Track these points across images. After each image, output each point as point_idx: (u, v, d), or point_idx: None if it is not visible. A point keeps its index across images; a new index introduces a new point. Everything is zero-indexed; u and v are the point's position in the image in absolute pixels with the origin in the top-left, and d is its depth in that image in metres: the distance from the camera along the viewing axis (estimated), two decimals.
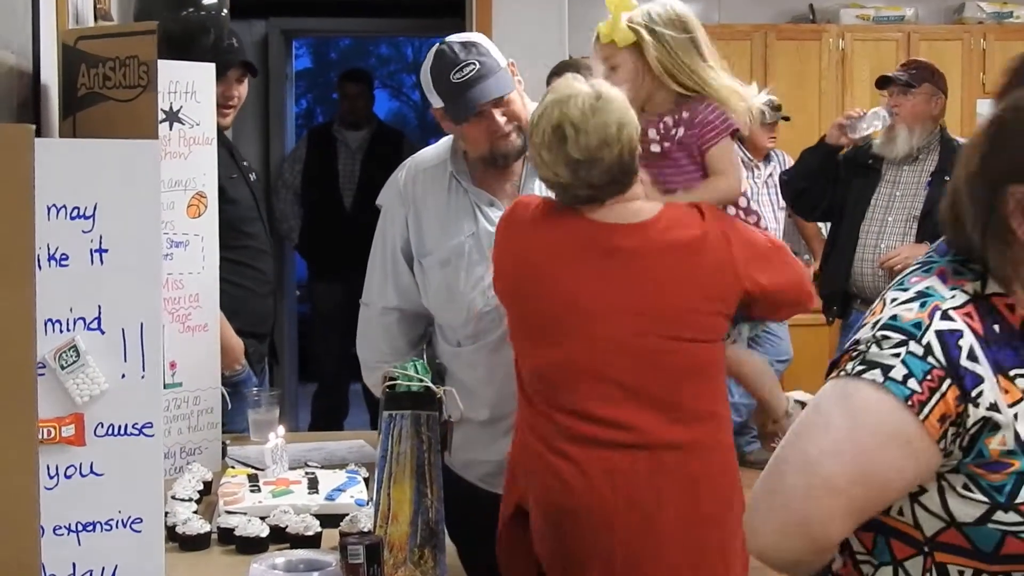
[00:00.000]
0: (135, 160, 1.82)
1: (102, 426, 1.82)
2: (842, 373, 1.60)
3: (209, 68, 3.08)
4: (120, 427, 1.83)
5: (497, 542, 2.62)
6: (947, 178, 1.80)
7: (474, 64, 2.72)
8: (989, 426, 1.54)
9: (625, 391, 2.45)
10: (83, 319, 1.79)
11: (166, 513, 2.38)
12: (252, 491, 2.62)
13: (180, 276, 2.97)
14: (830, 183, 4.89)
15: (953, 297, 1.60)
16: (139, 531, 1.84)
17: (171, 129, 2.95)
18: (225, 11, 3.65)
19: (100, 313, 1.80)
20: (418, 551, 2.23)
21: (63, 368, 1.78)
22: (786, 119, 6.59)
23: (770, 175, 6.48)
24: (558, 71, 5.46)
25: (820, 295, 5.09)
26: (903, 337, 1.56)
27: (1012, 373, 1.57)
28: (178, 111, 2.96)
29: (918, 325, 1.57)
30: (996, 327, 1.59)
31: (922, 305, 1.59)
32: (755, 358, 2.75)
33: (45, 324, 1.77)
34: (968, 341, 1.56)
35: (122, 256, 1.80)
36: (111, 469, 1.83)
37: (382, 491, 2.26)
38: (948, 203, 1.66)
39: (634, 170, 2.48)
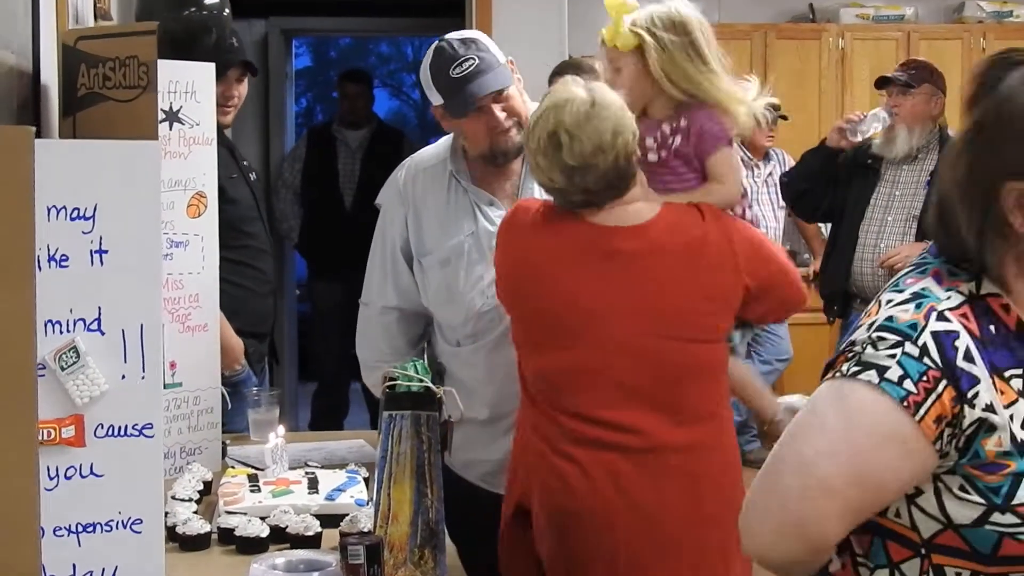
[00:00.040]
0: (135, 161, 1.82)
1: (102, 427, 1.82)
2: (837, 374, 1.59)
3: (209, 68, 3.08)
4: (120, 428, 1.82)
5: (499, 543, 2.62)
6: None
7: (473, 59, 2.72)
8: (985, 427, 1.54)
9: (630, 393, 2.45)
10: (83, 320, 1.79)
11: (166, 513, 2.38)
12: (252, 491, 2.62)
13: (180, 276, 2.97)
14: (830, 185, 4.90)
15: (949, 298, 1.60)
16: (139, 532, 1.84)
17: (171, 129, 2.95)
18: (227, 11, 3.65)
19: (100, 314, 1.80)
20: (418, 551, 2.23)
21: (63, 369, 1.78)
22: (784, 118, 6.59)
23: (770, 174, 6.48)
24: (560, 71, 5.46)
25: (821, 295, 5.10)
26: (899, 338, 1.56)
27: (1007, 374, 1.57)
28: (178, 111, 2.96)
29: (914, 326, 1.57)
30: (992, 327, 1.59)
31: (918, 306, 1.59)
32: (738, 365, 2.75)
33: (45, 325, 1.76)
34: (964, 342, 1.56)
35: (122, 257, 1.79)
36: (111, 470, 1.83)
37: (382, 491, 2.26)
38: (936, 211, 1.66)
39: (631, 175, 2.48)
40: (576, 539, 2.46)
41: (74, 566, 1.83)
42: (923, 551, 1.59)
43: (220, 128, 3.64)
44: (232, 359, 3.58)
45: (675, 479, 2.46)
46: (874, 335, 1.58)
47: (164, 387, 2.71)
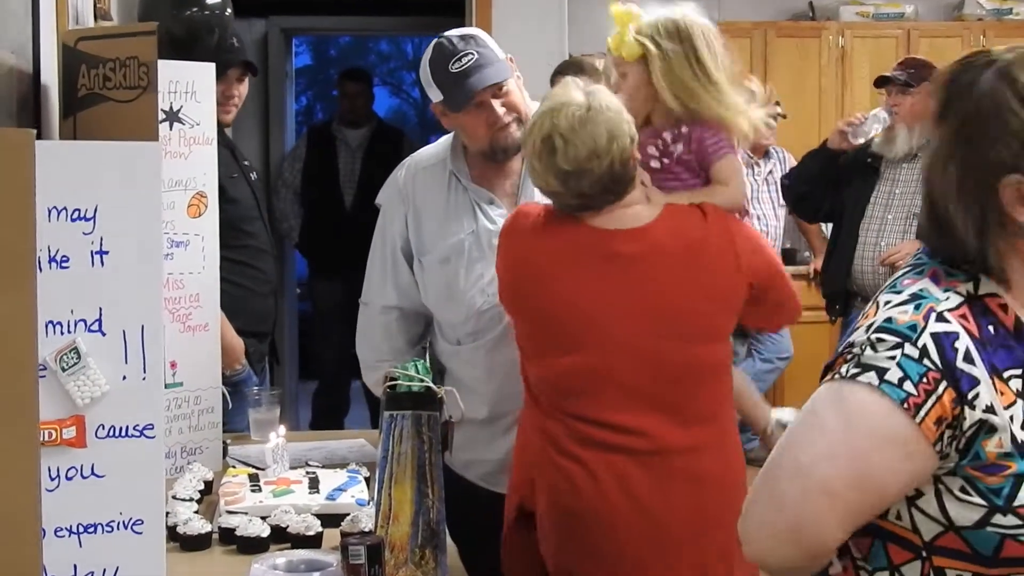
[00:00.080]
0: (136, 162, 1.82)
1: (103, 428, 1.82)
2: (836, 376, 1.59)
3: (209, 68, 3.08)
4: (121, 429, 1.82)
5: (502, 545, 2.62)
6: None
7: (472, 54, 2.73)
8: (985, 428, 1.54)
9: (634, 396, 2.45)
10: (84, 321, 1.79)
11: (167, 513, 2.38)
12: (253, 491, 2.62)
13: (180, 276, 2.98)
14: (831, 187, 4.90)
15: (947, 299, 1.60)
16: (140, 532, 1.84)
17: (171, 129, 2.95)
18: (229, 11, 3.65)
19: (101, 315, 1.80)
20: (419, 551, 2.23)
21: (64, 370, 1.78)
22: (783, 116, 6.59)
23: (770, 172, 6.48)
24: (561, 70, 5.47)
25: (823, 294, 5.10)
26: (898, 340, 1.56)
27: (1006, 375, 1.57)
28: (178, 111, 2.96)
29: (913, 327, 1.56)
30: (990, 328, 1.59)
31: (916, 307, 1.59)
32: (736, 373, 2.75)
33: (46, 326, 1.76)
34: (964, 343, 1.56)
35: (123, 258, 1.79)
36: (112, 471, 1.83)
37: (383, 491, 2.26)
38: (929, 217, 1.65)
39: (628, 179, 2.48)
40: (581, 540, 2.46)
41: (75, 567, 1.83)
42: (924, 553, 1.59)
43: (221, 127, 3.65)
44: (232, 359, 3.59)
45: (680, 481, 2.46)
46: (873, 337, 1.58)
47: (165, 387, 2.72)
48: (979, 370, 1.55)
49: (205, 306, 3.04)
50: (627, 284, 2.46)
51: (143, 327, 1.82)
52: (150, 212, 1.83)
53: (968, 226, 1.59)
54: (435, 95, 2.80)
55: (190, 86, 2.99)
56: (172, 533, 2.40)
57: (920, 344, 1.55)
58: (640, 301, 2.46)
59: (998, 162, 1.56)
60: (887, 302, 1.62)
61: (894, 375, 1.54)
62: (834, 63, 7.21)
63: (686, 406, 2.48)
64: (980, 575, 1.56)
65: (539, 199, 2.71)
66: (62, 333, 1.79)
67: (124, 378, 1.82)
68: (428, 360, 2.89)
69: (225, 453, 3.11)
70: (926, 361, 1.54)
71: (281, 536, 2.42)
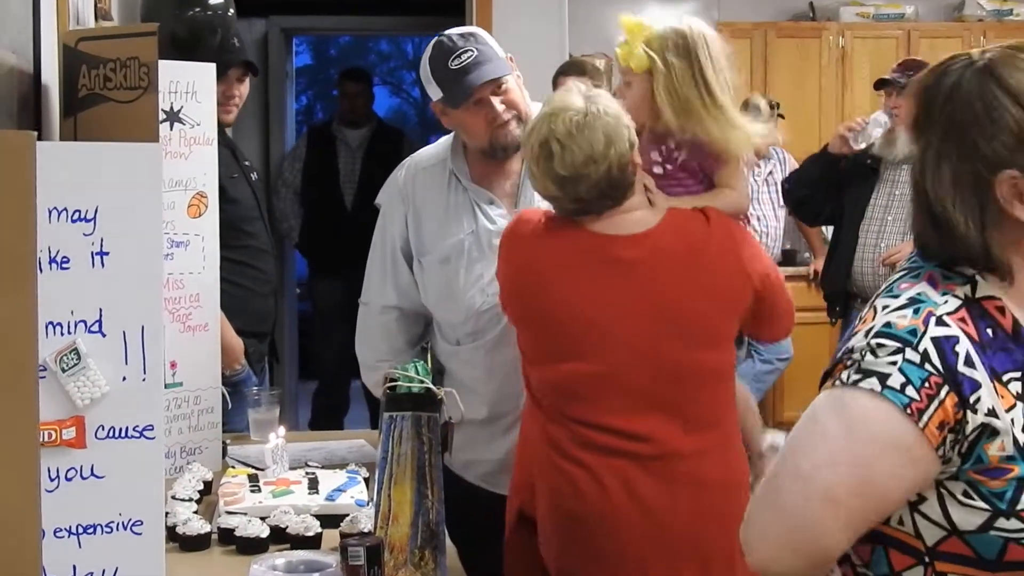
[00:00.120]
0: (136, 163, 1.81)
1: (103, 429, 1.82)
2: (837, 382, 1.58)
3: (209, 68, 3.08)
4: (121, 430, 1.82)
5: (504, 549, 2.63)
6: None
7: (472, 51, 2.73)
8: (988, 432, 1.53)
9: (639, 400, 2.45)
10: (84, 322, 1.79)
11: (166, 513, 2.38)
12: (252, 491, 2.62)
13: (181, 276, 2.98)
14: (832, 190, 4.90)
15: (946, 302, 1.60)
16: (140, 533, 1.84)
17: (171, 129, 2.95)
18: (231, 11, 3.65)
19: (101, 316, 1.80)
20: (419, 552, 2.23)
21: (64, 371, 1.78)
22: (781, 117, 6.59)
23: (770, 173, 6.49)
24: (564, 71, 5.48)
25: (823, 296, 5.10)
26: (899, 345, 1.55)
27: (1006, 378, 1.57)
28: (179, 111, 2.96)
29: (913, 332, 1.56)
30: (989, 331, 1.59)
31: (916, 311, 1.58)
32: (742, 389, 2.75)
33: (46, 327, 1.76)
34: (964, 347, 1.55)
35: (123, 259, 1.79)
36: (112, 471, 1.82)
37: (382, 492, 2.26)
38: (926, 218, 1.64)
39: (627, 184, 2.48)
40: (584, 543, 2.46)
41: (74, 567, 1.82)
42: (927, 559, 1.58)
43: (222, 127, 3.65)
44: (232, 359, 3.59)
45: (683, 485, 2.45)
46: (873, 342, 1.57)
47: (164, 387, 2.72)
48: (980, 374, 1.54)
49: (205, 306, 3.04)
50: (629, 289, 2.46)
51: (143, 328, 1.82)
52: (150, 213, 1.83)
53: (969, 223, 1.59)
54: (435, 93, 2.80)
55: (190, 86, 2.99)
56: (171, 533, 2.39)
57: (921, 349, 1.54)
58: (642, 306, 2.46)
59: (993, 158, 1.57)
60: (885, 307, 1.62)
61: (896, 380, 1.53)
62: (834, 64, 7.21)
63: (689, 410, 2.48)
64: None
65: (539, 199, 2.71)
66: (62, 334, 1.78)
67: (124, 379, 1.82)
68: (429, 360, 2.90)
69: (224, 453, 3.10)
70: (927, 366, 1.53)
71: (280, 537, 2.42)
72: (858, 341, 1.59)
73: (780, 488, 1.58)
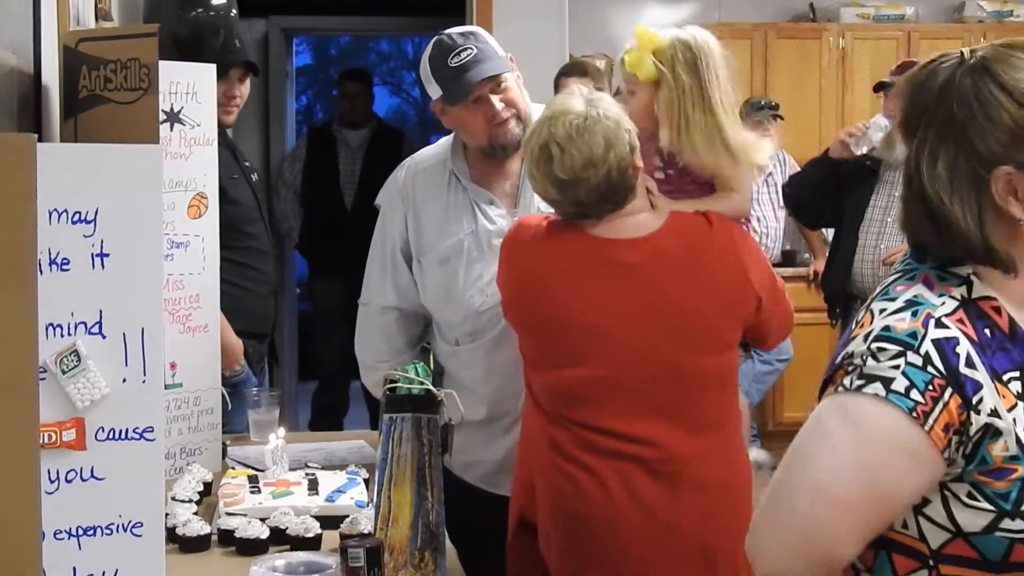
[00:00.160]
0: (136, 164, 1.81)
1: (103, 430, 1.81)
2: (840, 388, 1.57)
3: (210, 68, 3.08)
4: (121, 431, 1.82)
5: (507, 553, 2.63)
6: None
7: (472, 49, 2.74)
8: (991, 432, 1.53)
9: (642, 404, 2.45)
10: (84, 324, 1.79)
11: (166, 514, 2.38)
12: (252, 492, 2.62)
13: (180, 277, 2.98)
14: (832, 194, 4.91)
15: (943, 304, 1.59)
16: (140, 535, 1.84)
17: (172, 130, 2.95)
18: (234, 11, 3.66)
19: (101, 318, 1.79)
20: (418, 554, 2.23)
21: (64, 372, 1.78)
22: (780, 118, 6.60)
23: (770, 174, 6.49)
24: (566, 72, 5.48)
25: (824, 298, 5.11)
26: (900, 348, 1.55)
27: (1006, 377, 1.57)
28: (179, 112, 2.96)
29: (914, 335, 1.55)
30: (987, 331, 1.59)
31: (914, 314, 1.58)
32: (743, 409, 2.75)
33: (46, 329, 1.76)
34: (965, 348, 1.55)
35: (123, 260, 1.79)
36: (112, 473, 1.82)
37: (382, 494, 2.26)
38: (924, 215, 1.63)
39: (627, 188, 2.48)
40: (586, 545, 2.46)
41: (74, 569, 1.82)
42: (931, 562, 1.58)
43: (222, 128, 3.65)
44: (232, 360, 3.59)
45: (686, 488, 2.45)
46: (873, 346, 1.56)
47: (164, 388, 2.72)
48: (981, 374, 1.54)
49: (205, 307, 3.04)
50: (630, 293, 2.46)
51: (143, 330, 1.82)
52: (151, 215, 1.82)
53: (967, 218, 1.59)
54: (434, 91, 2.81)
55: (191, 87, 2.99)
56: (171, 534, 2.39)
57: (922, 351, 1.54)
58: (644, 310, 2.46)
59: (988, 154, 1.57)
60: (882, 310, 1.61)
61: (900, 384, 1.52)
62: (834, 64, 7.21)
63: (692, 414, 2.48)
64: None
65: (538, 200, 2.71)
66: (62, 336, 1.78)
67: (124, 381, 1.82)
68: (432, 361, 2.90)
69: (224, 454, 3.11)
70: (930, 368, 1.53)
71: (280, 538, 2.42)
72: (857, 346, 1.59)
73: (788, 497, 1.57)
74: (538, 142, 2.47)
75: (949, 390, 1.52)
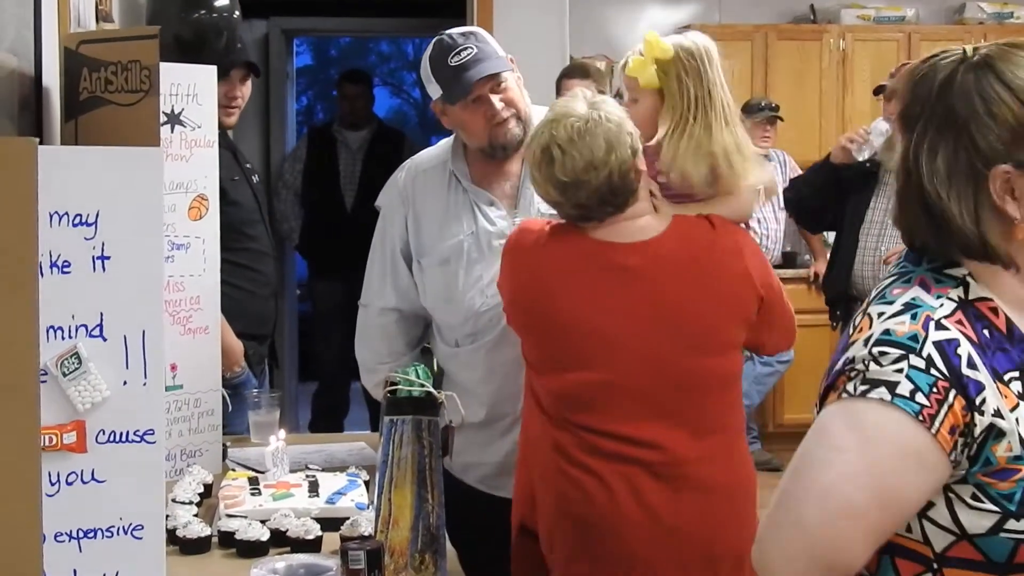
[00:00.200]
0: (137, 167, 1.81)
1: (103, 433, 1.82)
2: (844, 394, 1.56)
3: (210, 70, 3.08)
4: (121, 434, 1.82)
5: (511, 560, 2.63)
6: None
7: (472, 48, 2.74)
8: (994, 433, 1.53)
9: (646, 407, 2.45)
10: (85, 326, 1.79)
11: (166, 516, 2.38)
12: (253, 494, 2.62)
13: (181, 279, 2.98)
14: (833, 198, 4.91)
15: (942, 306, 1.59)
16: (140, 538, 1.84)
17: (172, 132, 2.95)
18: (237, 13, 3.65)
19: (102, 320, 1.80)
20: (419, 556, 2.24)
21: (65, 375, 1.78)
22: (780, 119, 6.60)
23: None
24: (568, 73, 5.49)
25: (825, 301, 5.11)
26: (902, 351, 1.54)
27: (1006, 377, 1.56)
28: (179, 113, 2.96)
29: (915, 338, 1.55)
30: (986, 332, 1.58)
31: (913, 317, 1.57)
32: None
33: (47, 331, 1.76)
34: (966, 349, 1.55)
35: (124, 263, 1.79)
36: (112, 476, 1.82)
37: (383, 496, 2.26)
38: (920, 211, 1.63)
39: (629, 191, 2.48)
40: (592, 548, 2.46)
41: (75, 572, 1.83)
42: (935, 565, 1.57)
43: (223, 129, 3.65)
44: (232, 361, 3.59)
45: (690, 490, 2.45)
46: (875, 350, 1.56)
47: (165, 390, 2.72)
48: (983, 375, 1.54)
49: (205, 309, 3.04)
50: (633, 297, 2.46)
51: (144, 332, 1.82)
52: (151, 217, 1.83)
53: (964, 214, 1.59)
54: (435, 91, 2.81)
55: (191, 88, 2.99)
56: (171, 536, 2.39)
57: (925, 354, 1.53)
58: (647, 313, 2.46)
59: (988, 152, 1.57)
60: (880, 314, 1.60)
61: (905, 388, 1.52)
62: (835, 66, 7.21)
63: (695, 416, 2.48)
64: None
65: (538, 201, 2.72)
66: (63, 338, 1.78)
67: (125, 383, 1.82)
68: (435, 363, 2.90)
69: (225, 456, 3.11)
70: (933, 371, 1.52)
71: (281, 540, 2.42)
72: (858, 351, 1.58)
73: (796, 506, 1.55)
74: (540, 144, 2.47)
75: (953, 392, 1.52)
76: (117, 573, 1.85)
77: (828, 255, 5.41)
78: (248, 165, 4.01)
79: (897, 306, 1.60)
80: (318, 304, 7.23)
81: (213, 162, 3.06)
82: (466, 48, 2.74)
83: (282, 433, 2.89)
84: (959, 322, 1.57)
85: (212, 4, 3.63)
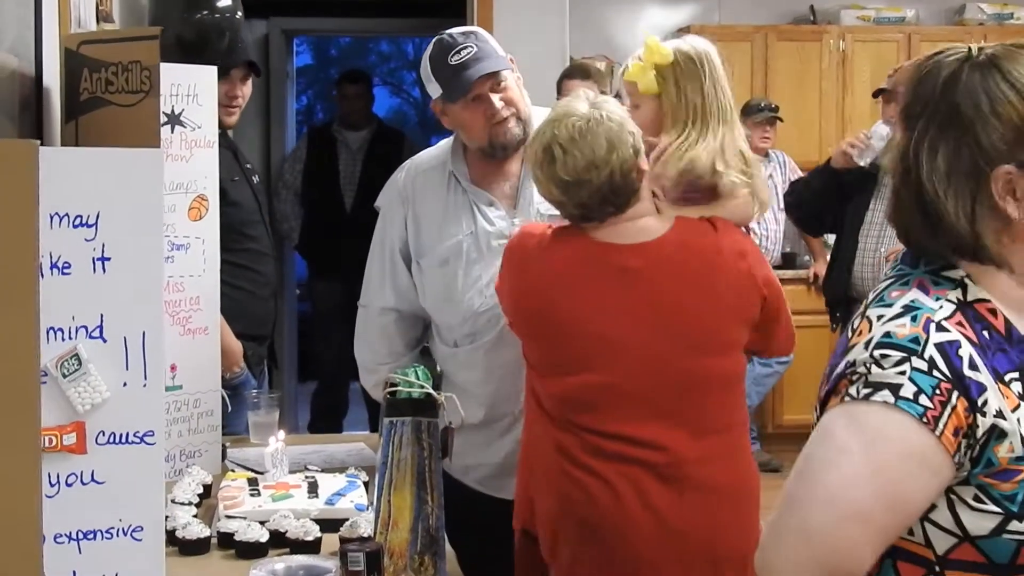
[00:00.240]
0: (138, 169, 1.82)
1: (103, 434, 1.82)
2: (846, 398, 1.55)
3: (211, 71, 3.08)
4: (121, 435, 1.82)
5: (515, 564, 2.63)
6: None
7: (472, 47, 2.75)
8: (996, 434, 1.52)
9: (649, 408, 2.45)
10: (85, 327, 1.79)
11: (166, 517, 2.38)
12: (252, 495, 2.62)
13: (181, 279, 2.98)
14: (834, 202, 4.92)
15: (941, 308, 1.59)
16: (140, 539, 1.84)
17: (172, 132, 2.95)
18: (239, 14, 3.65)
19: (102, 321, 1.80)
20: (418, 558, 2.24)
21: (65, 376, 1.78)
22: (779, 120, 6.59)
23: (770, 176, 6.49)
24: (569, 74, 5.49)
25: (825, 302, 5.11)
26: (903, 354, 1.54)
27: (1007, 378, 1.56)
28: (179, 114, 2.96)
29: (916, 340, 1.55)
30: (986, 333, 1.58)
31: (913, 319, 1.57)
32: None
33: (47, 332, 1.76)
34: (967, 350, 1.55)
35: (124, 264, 1.79)
36: (112, 477, 1.83)
37: (382, 497, 2.26)
38: (915, 208, 1.63)
39: (630, 191, 2.48)
40: (597, 550, 2.46)
41: (74, 573, 1.83)
42: (937, 568, 1.57)
43: (224, 129, 3.65)
44: (231, 362, 3.58)
45: (694, 491, 2.45)
46: (876, 353, 1.55)
47: (164, 390, 2.72)
48: (984, 376, 1.54)
49: (205, 309, 3.04)
50: (635, 298, 2.46)
51: (144, 334, 1.82)
52: (151, 219, 1.83)
53: (960, 213, 1.59)
54: (434, 90, 2.81)
55: (192, 89, 2.99)
56: (171, 537, 2.39)
57: (927, 356, 1.53)
58: (648, 315, 2.46)
59: (992, 151, 1.56)
60: (880, 316, 1.60)
61: (908, 390, 1.51)
62: (835, 67, 7.22)
63: (697, 417, 2.48)
64: None
65: (537, 201, 2.72)
66: (63, 339, 1.79)
67: (125, 385, 1.82)
68: (437, 364, 2.90)
69: (224, 456, 3.10)
70: (935, 372, 1.52)
71: (280, 541, 2.42)
72: (859, 354, 1.57)
73: (800, 511, 1.54)
74: (541, 144, 2.47)
75: (956, 393, 1.51)
76: (116, 574, 1.85)
77: (828, 256, 5.42)
78: (248, 165, 4.00)
79: (897, 308, 1.60)
80: (318, 304, 7.22)
81: (213, 162, 3.06)
82: (466, 47, 2.74)
83: (281, 434, 2.89)
84: (959, 324, 1.57)
85: (215, 5, 3.63)
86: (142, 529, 1.85)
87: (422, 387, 2.30)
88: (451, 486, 2.53)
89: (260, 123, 7.64)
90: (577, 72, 5.46)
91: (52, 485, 1.80)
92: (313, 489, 2.65)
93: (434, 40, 2.81)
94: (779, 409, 6.90)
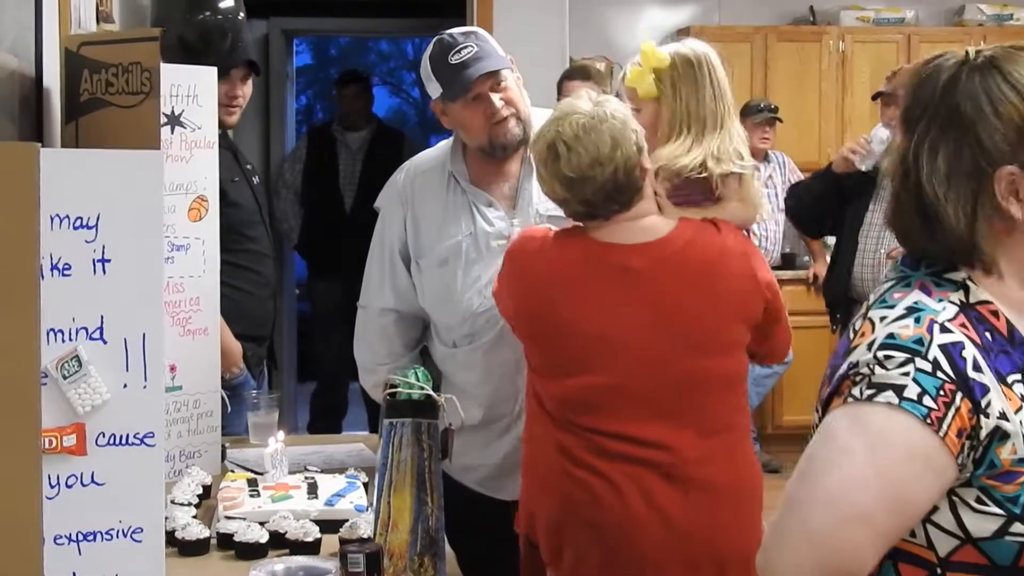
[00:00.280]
0: (137, 170, 1.82)
1: (103, 436, 1.82)
2: (849, 399, 1.55)
3: (211, 71, 3.08)
4: (121, 437, 1.83)
5: (520, 569, 2.63)
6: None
7: (472, 47, 2.75)
8: (999, 435, 1.52)
9: (651, 409, 2.45)
10: (85, 329, 1.79)
11: (165, 518, 2.38)
12: (252, 496, 2.62)
13: (181, 280, 2.98)
14: (834, 206, 4.92)
15: (944, 309, 1.58)
16: (140, 541, 1.84)
17: (172, 133, 2.95)
18: (242, 15, 3.65)
19: (102, 323, 1.80)
20: (418, 559, 2.24)
21: (65, 378, 1.79)
22: (779, 120, 6.59)
23: (769, 177, 6.49)
24: (569, 75, 5.50)
25: (825, 304, 5.11)
26: (907, 355, 1.53)
27: (1010, 380, 1.56)
28: (180, 115, 2.96)
29: (920, 341, 1.54)
30: (988, 334, 1.58)
31: (917, 320, 1.57)
32: None
33: (47, 334, 1.77)
34: (971, 352, 1.55)
35: (124, 266, 1.80)
36: (112, 479, 1.83)
37: (382, 499, 2.26)
38: (914, 210, 1.63)
39: (634, 188, 2.48)
40: (601, 551, 2.46)
41: (74, 574, 1.83)
42: (939, 570, 1.57)
43: (224, 129, 3.65)
44: (231, 362, 3.58)
45: (696, 490, 2.45)
46: (879, 354, 1.55)
47: (164, 391, 2.72)
48: (987, 377, 1.53)
49: (205, 310, 3.04)
50: (636, 299, 2.46)
51: (144, 335, 1.83)
52: (152, 220, 1.83)
53: (959, 215, 1.59)
54: (434, 90, 2.81)
55: (192, 89, 2.99)
56: (170, 538, 2.39)
57: (931, 357, 1.53)
58: (650, 315, 2.46)
59: (994, 152, 1.57)
60: (882, 318, 1.60)
61: (912, 391, 1.51)
62: (834, 68, 7.22)
63: (698, 417, 2.48)
64: None
65: (537, 202, 2.73)
66: (63, 341, 1.79)
67: (125, 386, 1.82)
68: (435, 363, 2.90)
69: (224, 457, 3.10)
70: (939, 374, 1.52)
71: (279, 542, 2.42)
72: (862, 355, 1.57)
73: (802, 513, 1.53)
74: (545, 141, 2.48)
75: (959, 395, 1.51)
76: (116, 575, 1.85)
77: (827, 257, 5.43)
78: (249, 166, 4.00)
79: (899, 310, 1.60)
80: (317, 304, 7.22)
81: (213, 163, 3.06)
82: (466, 46, 2.74)
83: (281, 434, 2.89)
84: (962, 325, 1.57)
85: (217, 5, 3.63)
86: (142, 530, 1.85)
87: (422, 388, 2.30)
88: (450, 487, 2.53)
89: (260, 123, 7.64)
90: (577, 73, 5.47)
91: (52, 486, 1.80)
92: (313, 490, 2.65)
93: (434, 40, 2.81)
94: (779, 410, 6.90)
